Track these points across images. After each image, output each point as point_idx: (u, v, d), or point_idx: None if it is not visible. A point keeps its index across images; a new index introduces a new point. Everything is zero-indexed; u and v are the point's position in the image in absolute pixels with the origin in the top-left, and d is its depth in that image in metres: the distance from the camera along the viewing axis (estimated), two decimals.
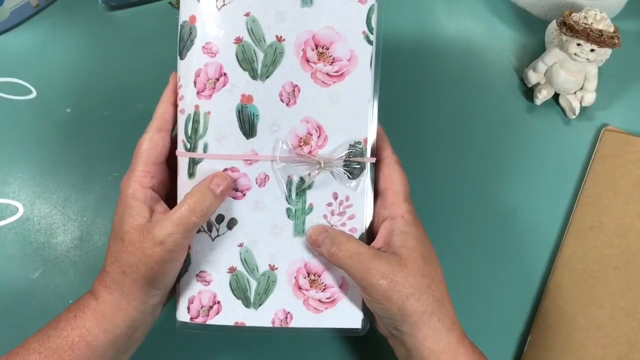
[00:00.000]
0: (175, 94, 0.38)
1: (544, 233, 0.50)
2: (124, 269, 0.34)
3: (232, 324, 0.39)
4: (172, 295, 0.40)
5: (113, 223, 0.36)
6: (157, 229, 0.34)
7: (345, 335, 0.40)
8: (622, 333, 0.45)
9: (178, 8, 0.38)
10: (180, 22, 0.37)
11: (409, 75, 0.54)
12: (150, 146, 0.36)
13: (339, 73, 0.37)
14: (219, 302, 0.38)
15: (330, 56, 0.37)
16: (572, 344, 0.45)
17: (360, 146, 0.38)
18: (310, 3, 0.37)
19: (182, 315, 0.39)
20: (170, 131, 0.38)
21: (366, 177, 0.38)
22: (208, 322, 0.38)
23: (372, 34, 0.37)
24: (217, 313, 0.38)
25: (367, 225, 0.39)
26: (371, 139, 0.38)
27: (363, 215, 0.39)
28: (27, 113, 0.52)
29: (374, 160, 0.38)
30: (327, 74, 0.37)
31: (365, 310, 0.39)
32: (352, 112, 0.38)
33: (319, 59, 0.37)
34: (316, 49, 0.37)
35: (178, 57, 0.37)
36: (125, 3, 0.56)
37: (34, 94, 0.53)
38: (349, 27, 0.37)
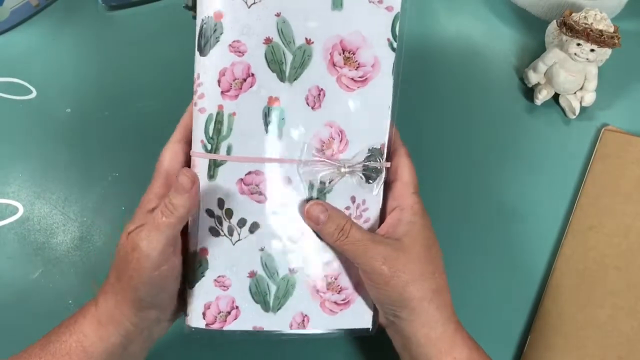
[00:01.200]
0: None
1: (544, 233, 0.49)
2: (118, 275, 0.34)
3: (250, 328, 0.38)
4: (178, 317, 0.39)
5: None
6: (137, 235, 0.33)
7: (354, 336, 0.40)
8: (622, 333, 0.45)
9: (192, 9, 0.36)
10: (202, 17, 0.35)
11: (408, 76, 0.54)
12: (171, 157, 0.36)
13: (363, 79, 0.37)
14: (237, 307, 0.37)
15: (356, 61, 0.37)
16: (572, 344, 0.45)
17: (379, 151, 0.38)
18: (340, 7, 0.36)
19: (196, 321, 0.37)
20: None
21: (382, 181, 0.38)
22: (225, 328, 0.37)
23: (395, 41, 0.37)
24: (235, 318, 0.37)
25: (379, 225, 0.39)
26: (388, 144, 0.38)
27: (377, 217, 0.39)
28: (27, 113, 0.52)
29: (389, 165, 0.38)
30: (352, 79, 0.37)
31: (374, 308, 0.39)
32: (372, 117, 0.38)
33: (344, 64, 0.37)
34: (343, 53, 0.36)
35: (197, 54, 0.36)
36: (125, 3, 0.56)
37: (34, 94, 0.53)
38: (375, 34, 0.37)
